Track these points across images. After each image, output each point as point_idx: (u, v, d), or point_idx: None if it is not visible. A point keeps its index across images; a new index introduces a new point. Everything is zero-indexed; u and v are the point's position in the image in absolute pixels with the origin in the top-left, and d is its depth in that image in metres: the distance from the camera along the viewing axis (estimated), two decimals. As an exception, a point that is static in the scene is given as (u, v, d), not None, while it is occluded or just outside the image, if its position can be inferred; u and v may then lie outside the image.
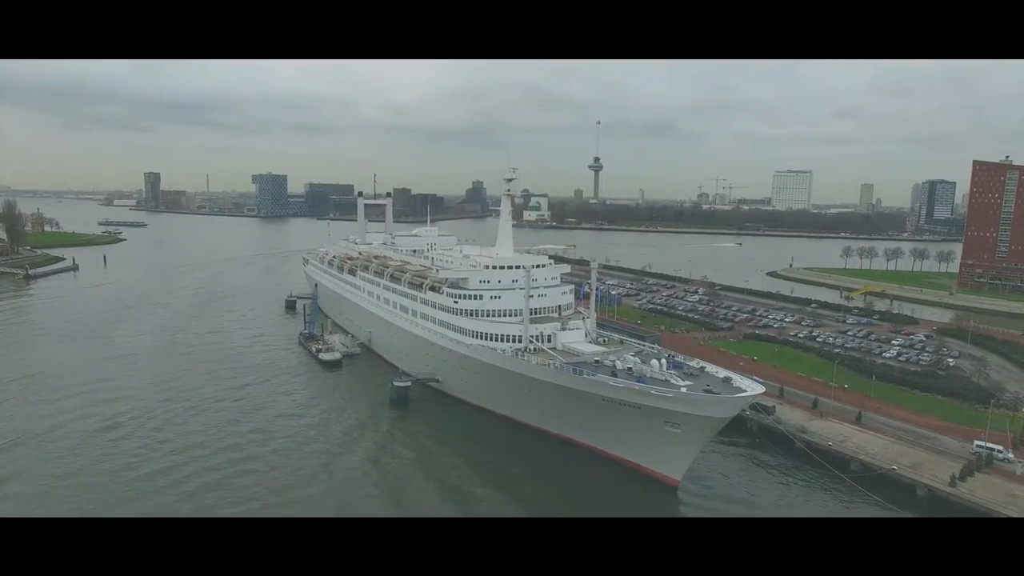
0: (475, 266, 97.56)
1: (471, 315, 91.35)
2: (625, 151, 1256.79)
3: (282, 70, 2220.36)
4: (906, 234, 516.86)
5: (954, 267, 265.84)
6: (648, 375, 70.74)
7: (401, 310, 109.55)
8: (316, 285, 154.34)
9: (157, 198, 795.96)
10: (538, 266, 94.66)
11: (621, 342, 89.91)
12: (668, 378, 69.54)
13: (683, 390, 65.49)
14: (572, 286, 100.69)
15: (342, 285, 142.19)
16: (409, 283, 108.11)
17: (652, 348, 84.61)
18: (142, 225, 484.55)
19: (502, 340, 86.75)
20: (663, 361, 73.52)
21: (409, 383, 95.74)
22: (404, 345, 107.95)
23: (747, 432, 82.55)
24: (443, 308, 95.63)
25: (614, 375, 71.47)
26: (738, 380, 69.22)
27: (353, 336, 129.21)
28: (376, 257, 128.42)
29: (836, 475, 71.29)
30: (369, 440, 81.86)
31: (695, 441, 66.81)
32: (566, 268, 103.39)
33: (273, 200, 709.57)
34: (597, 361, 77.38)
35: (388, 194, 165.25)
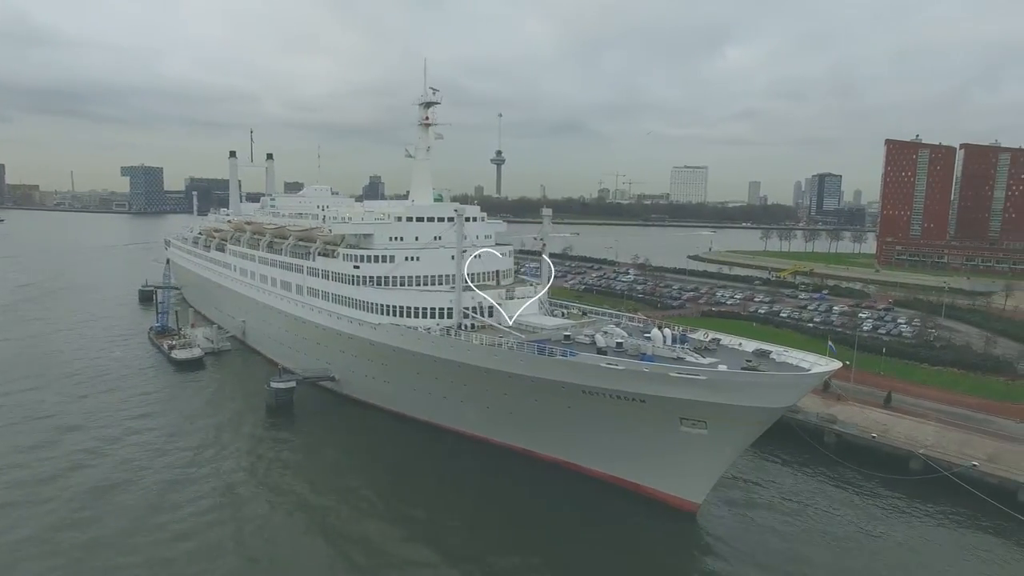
0: (382, 218, 71.70)
1: (378, 284, 65.71)
2: (532, 150, 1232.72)
3: (173, 58, 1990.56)
4: (801, 223, 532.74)
5: (867, 248, 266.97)
6: (650, 352, 48.05)
7: (282, 287, 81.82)
8: (168, 261, 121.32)
9: (2, 193, 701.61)
10: (470, 218, 70.35)
11: (584, 314, 67.13)
12: (681, 355, 47.00)
13: (723, 367, 42.83)
14: (510, 247, 76.73)
15: (208, 266, 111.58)
16: (292, 251, 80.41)
17: (637, 320, 62.10)
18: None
19: (424, 315, 61.89)
20: (666, 332, 50.77)
21: (293, 383, 69.02)
22: (286, 334, 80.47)
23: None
24: (339, 278, 69.32)
25: (600, 354, 48.29)
26: (780, 353, 47.76)
27: (221, 328, 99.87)
28: (249, 223, 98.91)
29: (911, 479, 51.92)
30: (223, 469, 54.29)
31: (729, 446, 44.59)
32: (502, 226, 79.31)
33: (147, 195, 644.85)
34: (568, 337, 53.96)
35: (269, 156, 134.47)
